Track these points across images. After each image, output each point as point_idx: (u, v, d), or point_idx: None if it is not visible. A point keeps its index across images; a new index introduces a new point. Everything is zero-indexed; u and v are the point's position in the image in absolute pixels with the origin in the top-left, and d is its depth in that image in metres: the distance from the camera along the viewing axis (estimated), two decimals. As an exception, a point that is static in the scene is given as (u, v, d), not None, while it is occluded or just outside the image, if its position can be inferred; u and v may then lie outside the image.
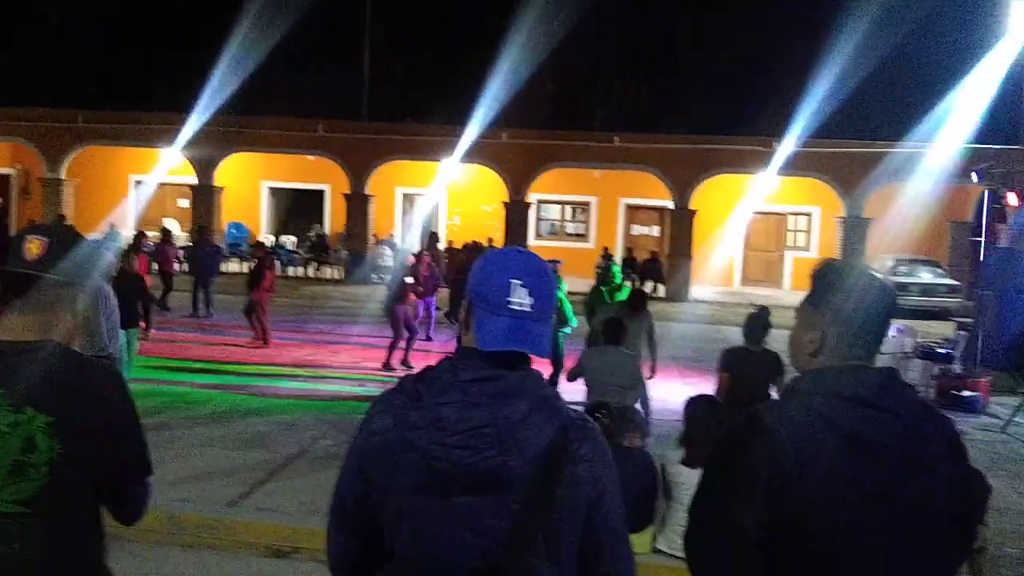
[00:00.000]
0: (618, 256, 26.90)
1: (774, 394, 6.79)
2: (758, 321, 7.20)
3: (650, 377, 8.46)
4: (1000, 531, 6.50)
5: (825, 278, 2.15)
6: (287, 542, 5.82)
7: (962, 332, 13.77)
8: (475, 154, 25.11)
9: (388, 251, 23.49)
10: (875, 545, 1.95)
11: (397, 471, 1.92)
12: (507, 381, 1.93)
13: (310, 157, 27.63)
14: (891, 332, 13.11)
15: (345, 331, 15.50)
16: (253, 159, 28.64)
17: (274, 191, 30.79)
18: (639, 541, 5.46)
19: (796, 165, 24.29)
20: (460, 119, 24.57)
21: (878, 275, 2.15)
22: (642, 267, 25.65)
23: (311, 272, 26.59)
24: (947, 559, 2.11)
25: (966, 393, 11.39)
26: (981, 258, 14.27)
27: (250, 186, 29.89)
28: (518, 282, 1.97)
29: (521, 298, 1.96)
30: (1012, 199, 13.57)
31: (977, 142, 22.92)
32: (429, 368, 2.00)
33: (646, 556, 5.48)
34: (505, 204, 25.99)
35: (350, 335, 15.07)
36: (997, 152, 21.17)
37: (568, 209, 30.20)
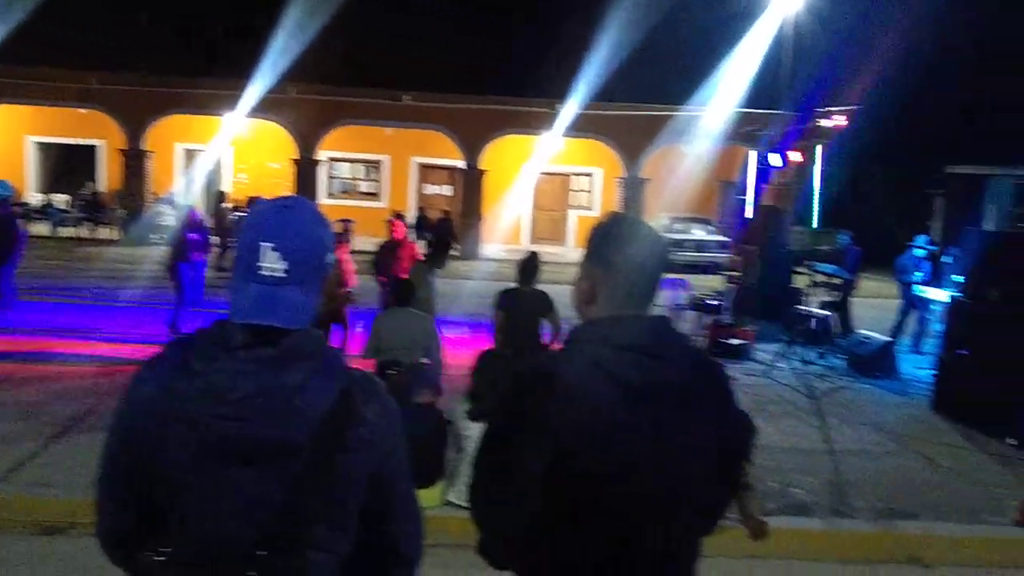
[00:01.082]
0: (411, 216, 26.90)
1: (546, 327, 7.72)
2: (528, 265, 7.95)
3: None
4: (763, 467, 7.08)
5: (601, 230, 2.21)
6: (62, 518, 5.54)
7: (731, 285, 14.76)
8: (261, 109, 24.31)
9: (168, 209, 22.41)
10: (653, 487, 2.05)
11: (167, 444, 1.78)
12: (281, 345, 1.79)
13: (82, 111, 25.83)
14: (667, 286, 13.93)
15: (121, 293, 14.72)
16: (17, 112, 26.45)
17: (41, 146, 28.59)
18: (429, 495, 5.59)
19: (579, 127, 25.08)
20: (245, 72, 23.66)
21: (652, 228, 2.22)
22: (434, 226, 25.78)
23: (85, 232, 25.00)
24: (719, 496, 2.30)
25: (734, 341, 12.24)
26: (747, 215, 15.30)
27: (13, 141, 27.62)
28: (268, 245, 1.80)
29: (272, 263, 1.80)
30: (775, 159, 14.61)
31: (745, 106, 24.47)
32: (198, 332, 1.85)
33: (437, 509, 5.63)
34: (295, 161, 25.37)
35: (127, 297, 14.33)
36: (762, 116, 22.67)
37: (360, 167, 29.85)
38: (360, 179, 29.88)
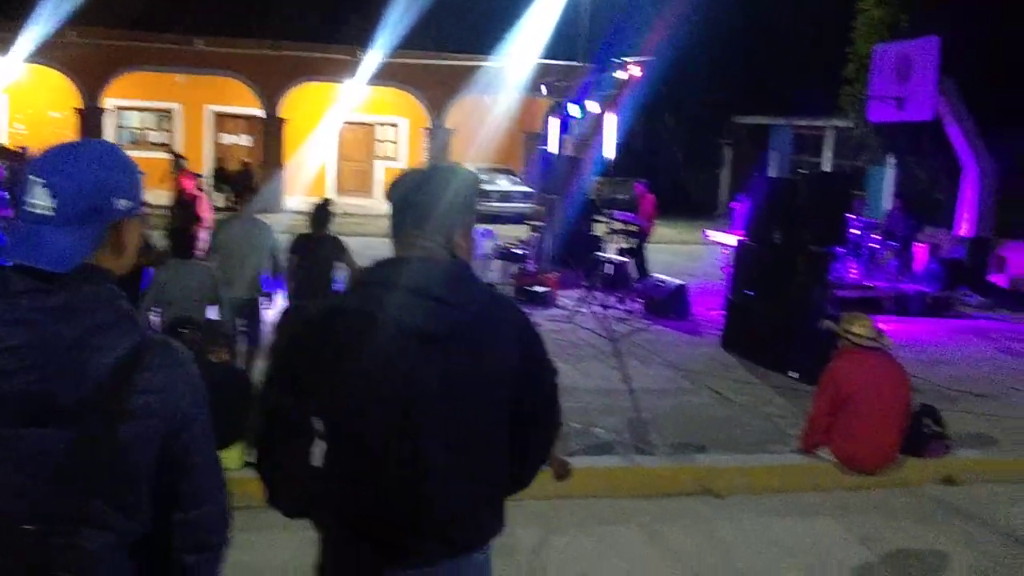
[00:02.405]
0: (207, 167, 25.77)
1: (340, 272, 7.77)
2: (321, 211, 8.11)
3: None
4: (567, 409, 7.28)
5: (401, 174, 2.26)
6: None
7: (535, 234, 15.06)
8: (39, 54, 22.47)
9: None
10: (438, 434, 2.04)
11: None
12: (66, 295, 1.65)
13: None
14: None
15: None
16: None
17: None
18: (229, 457, 5.43)
19: (383, 76, 24.69)
20: (17, 14, 21.77)
21: (453, 171, 2.22)
22: (233, 178, 24.80)
23: None
24: (529, 441, 2.27)
25: (538, 288, 12.53)
26: (549, 166, 15.58)
27: None
28: (39, 180, 1.67)
29: (38, 199, 1.66)
30: (574, 110, 14.91)
31: (546, 58, 24.80)
32: None
33: (237, 471, 5.47)
34: (78, 111, 23.69)
35: None
36: (562, 67, 23.05)
37: (150, 116, 28.20)
38: (150, 128, 28.24)
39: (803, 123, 27.30)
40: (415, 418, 2.01)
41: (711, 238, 13.74)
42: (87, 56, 23.26)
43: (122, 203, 1.75)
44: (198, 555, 1.81)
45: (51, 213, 1.66)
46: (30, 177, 1.68)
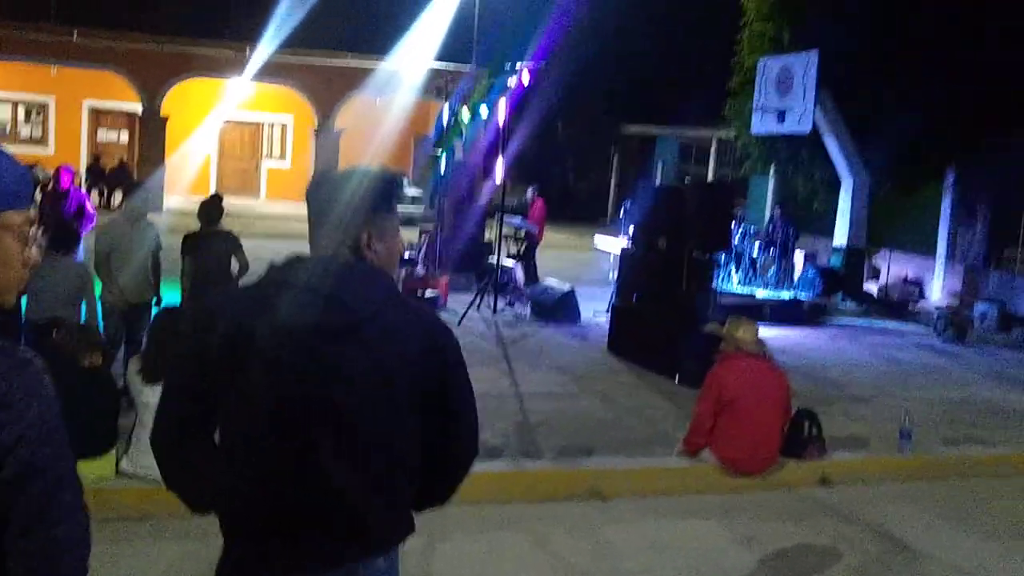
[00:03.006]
0: (82, 163, 24.76)
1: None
2: (211, 206, 7.79)
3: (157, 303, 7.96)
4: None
5: (317, 174, 2.27)
6: None
7: (425, 237, 14.95)
8: None
9: None
10: (332, 431, 2.01)
11: None
12: None
13: None
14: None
15: None
16: None
17: None
18: (101, 466, 5.19)
19: (270, 73, 24.18)
20: None
21: (356, 171, 2.21)
22: (110, 176, 23.89)
23: None
24: (428, 451, 2.20)
25: (428, 293, 12.43)
26: (440, 170, 15.51)
27: None
28: None
29: None
30: (465, 114, 14.88)
31: (438, 60, 24.72)
32: None
33: (110, 480, 5.25)
34: (-61, 100, 22.44)
35: None
36: (453, 71, 23.02)
37: (21, 109, 26.93)
38: (22, 122, 26.96)
39: (689, 133, 27.96)
40: (304, 414, 2.00)
41: (599, 244, 13.89)
42: (-48, 44, 22.07)
43: None
44: None
45: None
46: None
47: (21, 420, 1.51)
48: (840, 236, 15.91)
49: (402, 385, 2.10)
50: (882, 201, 16.64)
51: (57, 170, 10.80)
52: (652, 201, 10.47)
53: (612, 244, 13.50)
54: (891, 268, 16.69)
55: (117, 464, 5.34)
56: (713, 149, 26.88)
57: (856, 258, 15.84)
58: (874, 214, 16.16)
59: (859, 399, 9.09)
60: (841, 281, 14.88)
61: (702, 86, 20.40)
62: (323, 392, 2.02)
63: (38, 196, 11.84)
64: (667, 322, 9.45)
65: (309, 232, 2.19)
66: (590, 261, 17.97)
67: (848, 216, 15.72)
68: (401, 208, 13.94)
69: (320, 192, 2.17)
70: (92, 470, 5.07)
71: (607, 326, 11.03)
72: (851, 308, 15.12)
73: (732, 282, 14.43)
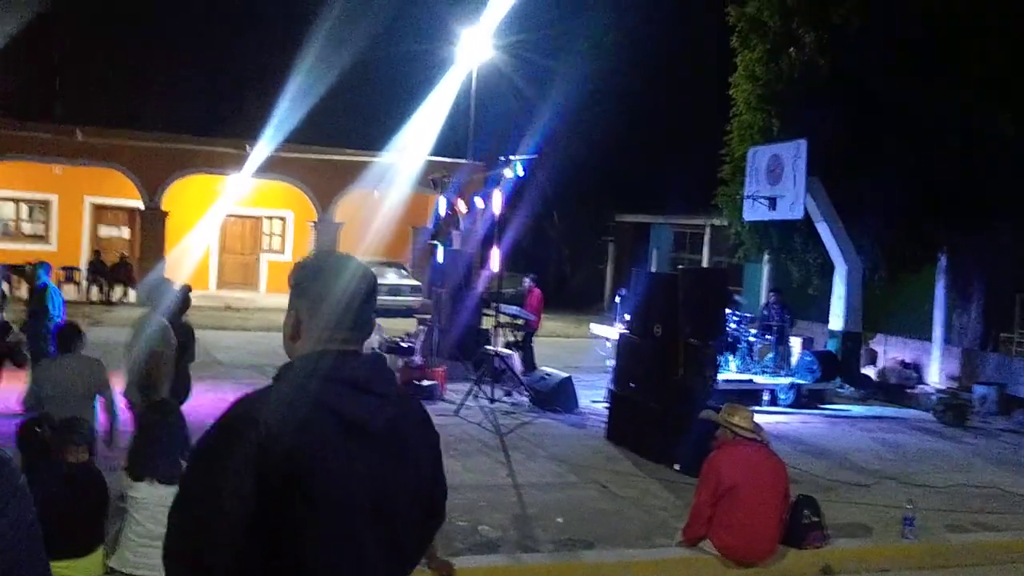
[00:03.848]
0: (84, 259, 24.98)
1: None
2: (178, 297, 7.94)
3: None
4: (453, 506, 7.13)
5: (305, 265, 2.17)
6: None
7: (422, 327, 15.00)
8: (-98, 140, 21.60)
9: None
10: (368, 531, 1.97)
11: None
12: None
13: None
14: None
15: None
16: None
17: None
18: (88, 565, 5.09)
19: (270, 169, 24.58)
20: None
21: (359, 262, 2.16)
22: (111, 271, 24.07)
23: None
24: (421, 536, 2.24)
25: (426, 382, 12.40)
26: (437, 260, 15.65)
27: None
28: None
29: None
30: (461, 206, 15.09)
31: (434, 155, 25.17)
32: None
33: (96, 581, 5.16)
34: (-58, 200, 22.73)
35: None
36: (449, 164, 23.40)
37: (24, 207, 27.23)
38: (24, 220, 27.24)
39: (682, 221, 28.28)
40: (347, 509, 1.92)
41: (595, 331, 13.93)
42: (-43, 144, 22.44)
43: None
44: None
45: None
46: None
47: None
48: (836, 321, 15.98)
49: (425, 486, 2.14)
50: (876, 285, 16.75)
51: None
52: (647, 288, 10.54)
53: (608, 331, 13.53)
54: (888, 352, 16.70)
55: (104, 562, 5.25)
56: (707, 236, 27.14)
57: (853, 342, 15.87)
58: (869, 298, 16.25)
59: (859, 485, 9.01)
60: (838, 366, 14.88)
61: (694, 175, 20.71)
62: (368, 496, 1.97)
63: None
64: (664, 409, 9.43)
65: (310, 322, 2.06)
66: (587, 348, 17.97)
67: (843, 301, 15.81)
68: (399, 298, 14.32)
69: (335, 283, 2.07)
70: (78, 570, 4.98)
71: (605, 414, 10.99)
72: (849, 393, 15.09)
73: (729, 368, 14.42)
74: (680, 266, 23.77)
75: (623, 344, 10.80)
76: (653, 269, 25.57)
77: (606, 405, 11.28)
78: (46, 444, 5.21)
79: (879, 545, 7.16)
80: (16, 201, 26.90)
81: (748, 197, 16.15)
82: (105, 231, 27.81)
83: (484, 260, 16.01)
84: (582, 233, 32.42)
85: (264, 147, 24.06)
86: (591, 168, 28.51)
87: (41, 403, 6.46)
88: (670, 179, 24.15)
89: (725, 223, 19.81)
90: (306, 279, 2.10)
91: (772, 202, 15.42)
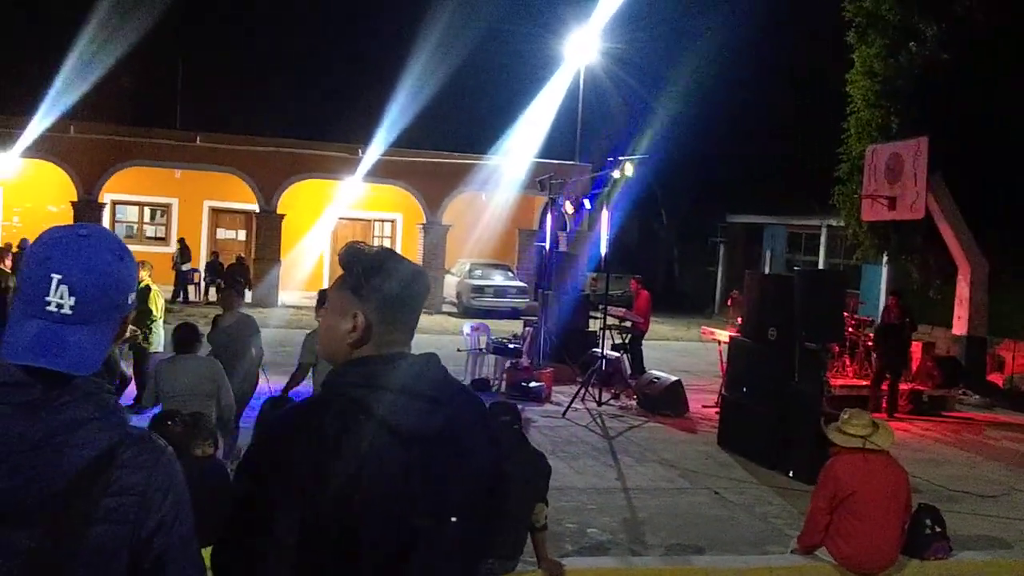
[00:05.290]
0: (202, 260, 25.94)
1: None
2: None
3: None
4: (562, 508, 7.16)
5: (361, 263, 1.99)
6: None
7: (528, 328, 15.01)
8: (38, 148, 22.76)
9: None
10: (418, 534, 1.91)
11: None
12: (39, 391, 1.54)
13: None
14: (467, 330, 13.98)
15: None
16: None
17: None
18: (207, 555, 5.25)
19: (380, 172, 25.00)
20: (19, 110, 22.14)
21: (410, 261, 2.07)
22: (228, 272, 24.89)
23: None
24: (488, 531, 2.18)
25: (533, 384, 12.41)
26: (545, 262, 15.64)
27: None
28: (58, 276, 1.57)
29: (59, 297, 1.56)
30: (569, 207, 15.04)
31: (542, 156, 25.21)
32: None
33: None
34: (74, 204, 23.87)
35: None
36: (557, 166, 23.38)
37: (147, 211, 28.46)
38: (147, 223, 28.46)
39: (797, 222, 27.59)
40: (401, 522, 1.87)
41: (707, 335, 13.68)
42: (86, 151, 23.54)
43: (131, 297, 1.70)
44: None
45: (71, 312, 1.57)
46: (51, 274, 1.57)
47: (163, 505, 1.61)
48: (959, 325, 15.31)
49: (481, 481, 2.07)
50: (1004, 288, 15.98)
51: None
52: (761, 291, 10.28)
53: (720, 335, 13.28)
54: (1016, 358, 15.91)
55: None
56: (823, 237, 26.41)
57: (978, 348, 15.17)
58: (995, 301, 15.51)
59: (986, 496, 8.59)
60: (962, 372, 14.25)
61: (809, 174, 20.19)
62: (424, 506, 1.92)
63: None
64: (778, 415, 9.19)
65: (369, 325, 1.94)
66: (697, 352, 17.71)
67: (967, 304, 15.14)
68: (506, 300, 14.34)
69: (397, 284, 1.97)
70: (204, 559, 5.14)
71: (717, 418, 10.79)
72: (974, 400, 14.42)
73: (846, 374, 13.96)
74: (796, 268, 23.20)
75: (735, 348, 10.57)
76: (767, 271, 25.02)
77: (717, 410, 11.06)
78: (172, 438, 5.39)
79: (1008, 560, 6.80)
80: (140, 205, 28.12)
81: (866, 196, 15.64)
82: (223, 234, 28.84)
83: (591, 262, 15.94)
84: (692, 234, 31.98)
85: (375, 151, 24.52)
86: (702, 168, 28.11)
87: (158, 400, 6.68)
88: (784, 179, 23.61)
89: (842, 223, 19.23)
90: (378, 280, 1.96)
91: (891, 201, 14.89)
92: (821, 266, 25.51)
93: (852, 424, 6.31)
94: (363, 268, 1.97)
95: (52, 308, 1.56)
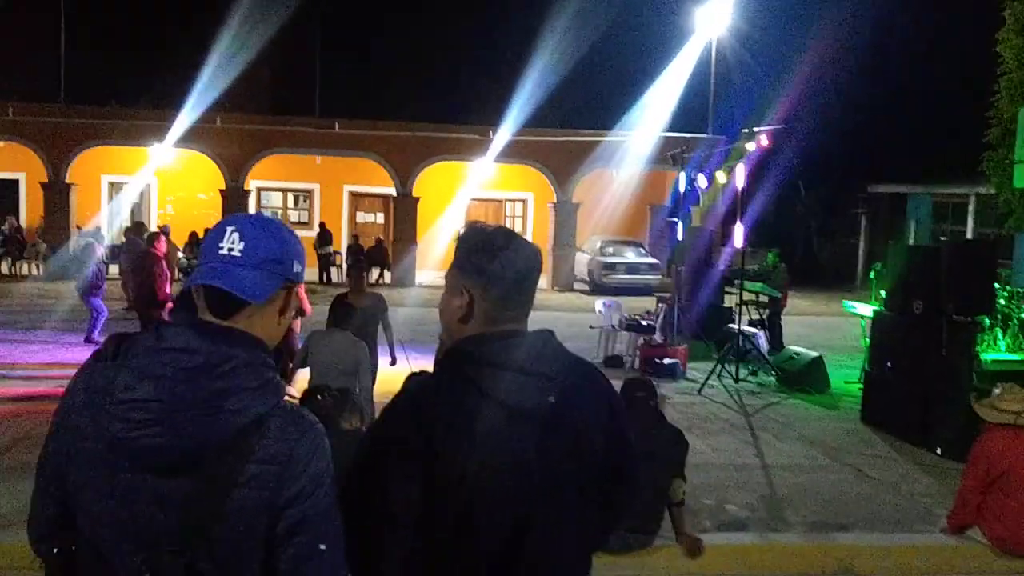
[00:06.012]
0: (343, 243, 26.77)
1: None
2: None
3: (392, 363, 8.77)
4: (699, 484, 7.13)
5: (470, 241, 2.05)
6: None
7: (662, 305, 14.90)
8: (188, 139, 23.95)
9: (98, 248, 21.79)
10: (534, 511, 1.92)
11: (77, 436, 1.72)
12: (202, 355, 1.68)
13: (0, 143, 25.24)
14: (599, 307, 14.00)
15: (41, 328, 14.34)
16: (-68, 146, 25.74)
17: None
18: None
19: (511, 153, 25.18)
20: (170, 102, 23.33)
21: (523, 237, 2.09)
22: (368, 254, 25.64)
23: (5, 268, 24.20)
24: (609, 505, 2.18)
25: (667, 361, 12.33)
26: (677, 237, 15.47)
27: (-71, 174, 26.84)
28: (231, 227, 1.81)
29: (231, 243, 1.78)
30: (701, 181, 14.83)
31: (671, 130, 24.87)
32: (149, 328, 1.78)
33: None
34: (222, 191, 25.03)
35: (47, 333, 13.96)
36: (689, 139, 23.02)
37: (290, 196, 29.56)
38: (290, 208, 29.58)
39: (943, 190, 26.37)
40: (514, 496, 1.89)
41: (848, 308, 13.26)
42: (232, 140, 24.63)
43: (296, 266, 1.87)
44: None
45: (240, 255, 1.78)
46: (226, 227, 1.81)
47: (302, 476, 1.70)
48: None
49: (595, 460, 2.07)
50: None
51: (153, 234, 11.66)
52: (906, 262, 9.90)
53: (863, 308, 12.86)
54: None
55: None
56: (971, 206, 25.15)
57: None
58: None
59: None
60: None
61: (956, 140, 19.26)
62: (537, 482, 1.94)
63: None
64: (926, 390, 8.88)
65: (481, 303, 1.98)
66: (839, 327, 17.22)
67: None
68: (638, 277, 14.29)
69: (509, 261, 2.00)
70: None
71: (860, 395, 10.50)
72: None
73: (999, 347, 13.32)
74: (942, 239, 22.20)
75: (880, 322, 10.24)
76: (911, 242, 24.04)
77: (861, 386, 10.76)
78: (320, 411, 5.63)
79: None
80: (283, 191, 29.23)
81: (1020, 162, 14.81)
82: (362, 217, 29.69)
83: (726, 236, 15.68)
84: (831, 205, 30.98)
85: (505, 132, 24.71)
86: (841, 136, 27.16)
87: (305, 364, 7.04)
88: (929, 145, 22.58)
89: (992, 191, 18.27)
90: (482, 258, 2.00)
91: (1048, 166, 14.04)
92: (969, 236, 24.33)
93: (1005, 400, 6.06)
94: (468, 247, 2.04)
95: (224, 252, 1.78)
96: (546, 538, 1.94)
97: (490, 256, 1.99)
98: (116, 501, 1.67)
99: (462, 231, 2.09)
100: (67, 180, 24.55)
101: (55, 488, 1.79)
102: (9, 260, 24.25)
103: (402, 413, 1.92)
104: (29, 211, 26.96)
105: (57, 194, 24.42)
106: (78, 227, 24.51)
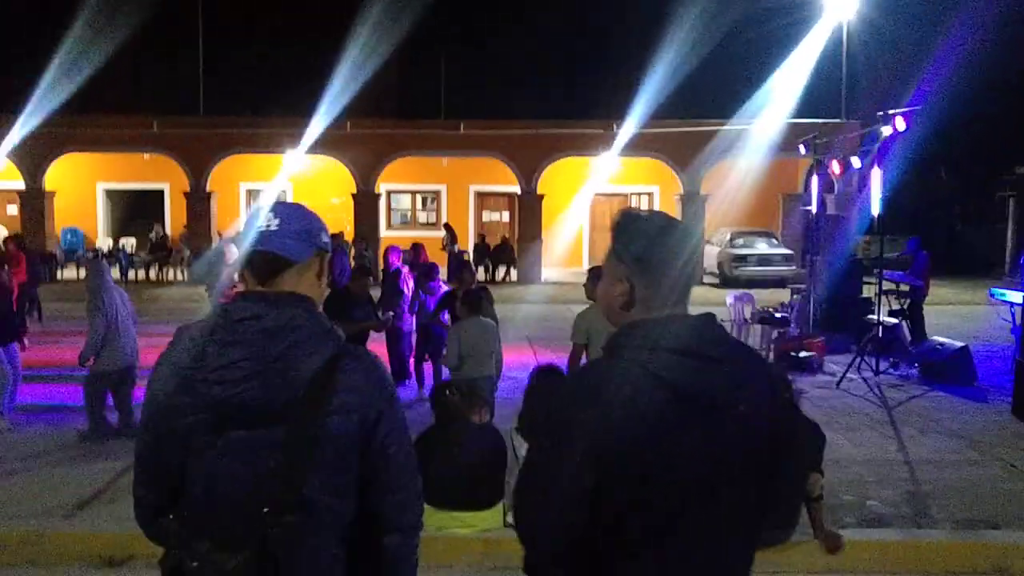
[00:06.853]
0: (470, 242, 27.09)
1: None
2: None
3: None
4: (838, 480, 6.91)
5: (626, 228, 2.05)
6: (122, 550, 5.59)
7: (796, 296, 14.49)
8: (320, 146, 24.72)
9: (233, 249, 22.76)
10: (706, 498, 1.92)
11: (176, 415, 2.00)
12: (271, 319, 2.02)
13: (145, 155, 26.60)
14: (730, 300, 13.72)
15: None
16: (87, 160, 27.37)
17: (111, 193, 29.51)
18: (490, 517, 5.50)
19: (635, 146, 24.97)
20: (302, 111, 24.12)
21: (680, 221, 2.08)
22: (494, 252, 25.90)
23: (153, 275, 25.54)
24: (767, 501, 2.11)
25: (803, 354, 11.98)
26: (812, 226, 15.02)
27: (85, 189, 28.53)
28: (268, 210, 2.13)
29: (268, 220, 2.11)
30: (836, 168, 14.35)
31: (801, 116, 24.14)
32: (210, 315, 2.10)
33: (498, 531, 5.54)
34: (354, 196, 25.72)
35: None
36: (821, 125, 22.32)
37: (419, 198, 30.14)
38: (419, 209, 30.17)
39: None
40: (683, 479, 1.89)
41: (999, 295, 12.57)
42: (362, 145, 25.27)
43: (324, 237, 2.21)
44: (398, 535, 2.11)
45: (276, 228, 2.10)
46: (261, 210, 2.14)
47: (379, 399, 2.06)
48: None
49: (765, 447, 2.03)
50: None
51: (386, 251, 11.78)
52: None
53: (1013, 295, 12.18)
54: None
55: (504, 516, 5.68)
56: None
57: None
58: None
59: None
60: None
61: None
62: (705, 465, 1.93)
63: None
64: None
65: (642, 289, 2.00)
66: (986, 316, 16.38)
67: None
68: (771, 268, 13.93)
69: (669, 246, 2.01)
70: (480, 520, 5.44)
71: (1010, 387, 9.95)
72: None
73: None
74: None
75: (1029, 308, 9.69)
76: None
77: (1011, 377, 10.19)
78: (454, 406, 5.73)
79: None
80: (412, 193, 29.82)
81: None
82: (487, 216, 30.02)
83: (863, 224, 15.13)
84: (976, 189, 29.51)
85: (629, 125, 24.49)
86: (985, 116, 25.82)
87: (463, 361, 7.37)
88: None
89: None
90: (644, 244, 2.00)
91: None
92: None
93: None
94: (625, 234, 2.04)
95: (262, 227, 2.10)
96: (700, 528, 1.93)
97: (648, 242, 2.00)
98: (230, 456, 1.97)
99: (617, 218, 2.08)
100: (208, 188, 25.69)
101: (160, 475, 2.07)
102: (156, 266, 25.57)
103: (574, 399, 1.94)
104: (173, 219, 28.38)
105: (198, 202, 25.60)
106: (219, 233, 25.64)
